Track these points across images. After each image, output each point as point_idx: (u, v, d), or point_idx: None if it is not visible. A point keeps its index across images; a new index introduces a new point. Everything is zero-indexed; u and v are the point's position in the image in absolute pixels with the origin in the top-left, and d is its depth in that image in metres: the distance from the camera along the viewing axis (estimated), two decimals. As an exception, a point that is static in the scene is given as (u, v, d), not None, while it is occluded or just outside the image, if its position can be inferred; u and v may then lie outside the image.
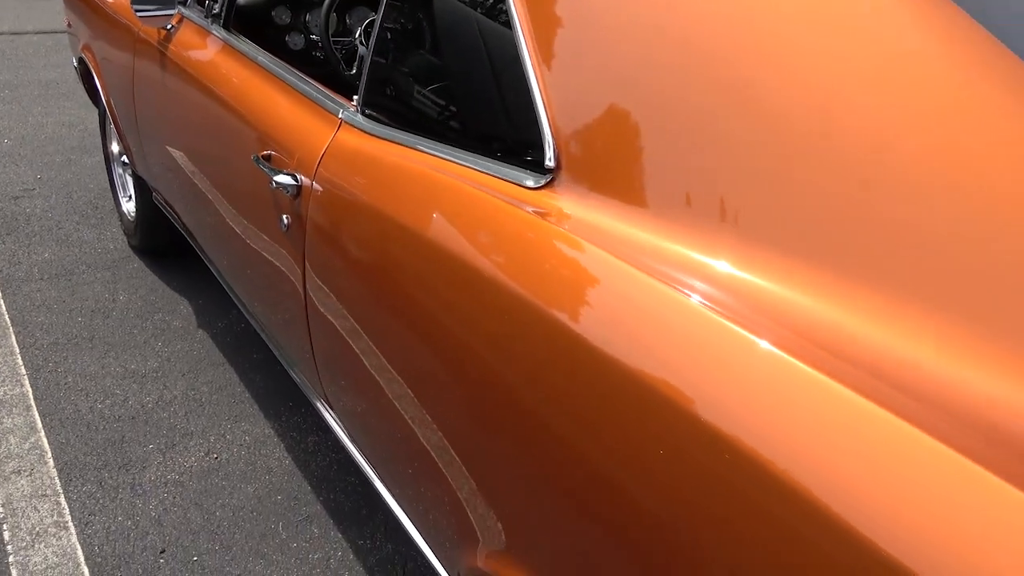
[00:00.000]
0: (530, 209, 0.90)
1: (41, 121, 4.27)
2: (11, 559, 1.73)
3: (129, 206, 3.03)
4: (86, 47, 2.80)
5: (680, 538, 0.68)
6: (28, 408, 2.19)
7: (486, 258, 0.90)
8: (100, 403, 2.25)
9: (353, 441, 1.51)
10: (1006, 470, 0.53)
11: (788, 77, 0.74)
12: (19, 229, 3.13)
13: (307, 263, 1.34)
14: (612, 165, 0.85)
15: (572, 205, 0.88)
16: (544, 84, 0.93)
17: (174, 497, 1.95)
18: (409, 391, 1.09)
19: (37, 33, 6.01)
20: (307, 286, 1.36)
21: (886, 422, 0.58)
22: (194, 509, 1.92)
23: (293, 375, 1.79)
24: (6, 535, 1.79)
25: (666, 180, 0.81)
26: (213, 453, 2.09)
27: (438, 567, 1.25)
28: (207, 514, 1.90)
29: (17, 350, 2.42)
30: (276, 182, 1.34)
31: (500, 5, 1.03)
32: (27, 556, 1.74)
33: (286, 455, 2.10)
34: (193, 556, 1.80)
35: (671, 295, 0.73)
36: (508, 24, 1.00)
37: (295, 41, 2.20)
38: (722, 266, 0.73)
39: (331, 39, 2.06)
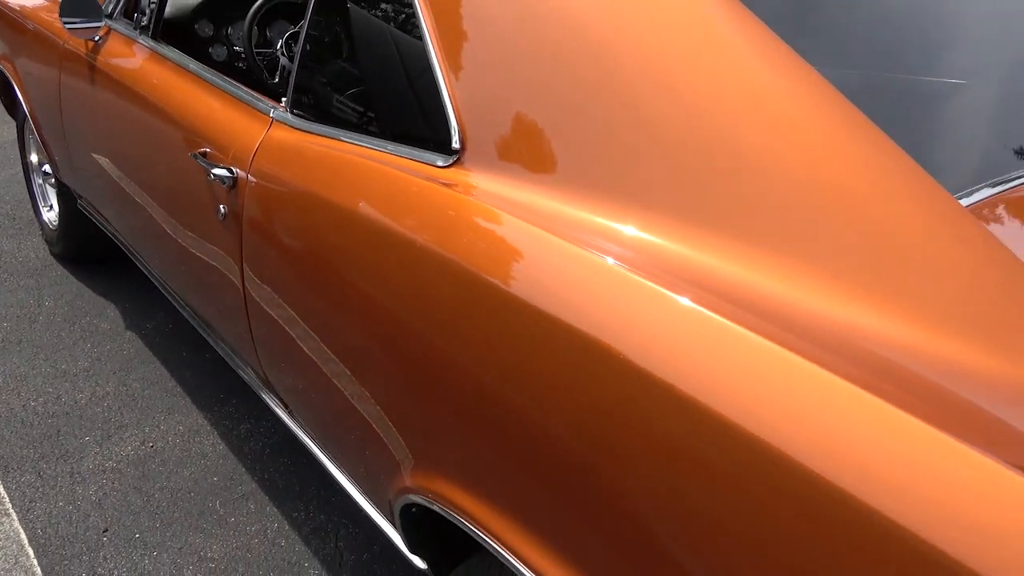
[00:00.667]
0: (441, 183, 1.09)
1: (-51, 135, 4.23)
2: (-45, 544, 1.81)
3: (50, 215, 3.08)
4: (4, 58, 2.85)
5: (577, 451, 0.87)
6: (-40, 408, 2.25)
7: (403, 225, 1.09)
8: (33, 401, 2.32)
9: (290, 414, 1.66)
10: (844, 373, 0.71)
11: (653, 70, 0.95)
12: (-65, 240, 3.13)
13: (244, 249, 1.49)
14: (508, 144, 1.05)
15: (476, 178, 1.07)
16: (448, 79, 1.12)
17: (113, 483, 2.05)
18: (342, 356, 1.26)
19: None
20: (244, 271, 1.51)
21: (750, 342, 0.76)
22: (133, 493, 2.02)
23: (230, 361, 1.92)
24: (-52, 523, 1.86)
25: (553, 155, 1.01)
26: (149, 442, 2.20)
27: (373, 513, 1.42)
28: (146, 496, 2.01)
29: (-56, 355, 2.47)
30: (214, 174, 1.49)
31: (410, 17, 1.22)
32: (-29, 541, 1.82)
33: (220, 441, 2.22)
34: (135, 534, 1.91)
35: (565, 246, 0.92)
36: (417, 31, 1.19)
37: (218, 52, 2.34)
38: (603, 222, 0.93)
39: (254, 50, 2.21)
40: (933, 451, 0.65)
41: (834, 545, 0.66)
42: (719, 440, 0.74)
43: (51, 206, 3.07)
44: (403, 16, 1.29)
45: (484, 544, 1.00)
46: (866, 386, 0.70)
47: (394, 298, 1.11)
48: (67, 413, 2.29)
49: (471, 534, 1.03)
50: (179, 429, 2.26)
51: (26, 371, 2.44)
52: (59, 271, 3.02)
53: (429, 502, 1.09)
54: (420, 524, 1.24)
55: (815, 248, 0.83)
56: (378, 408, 1.19)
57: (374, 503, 1.39)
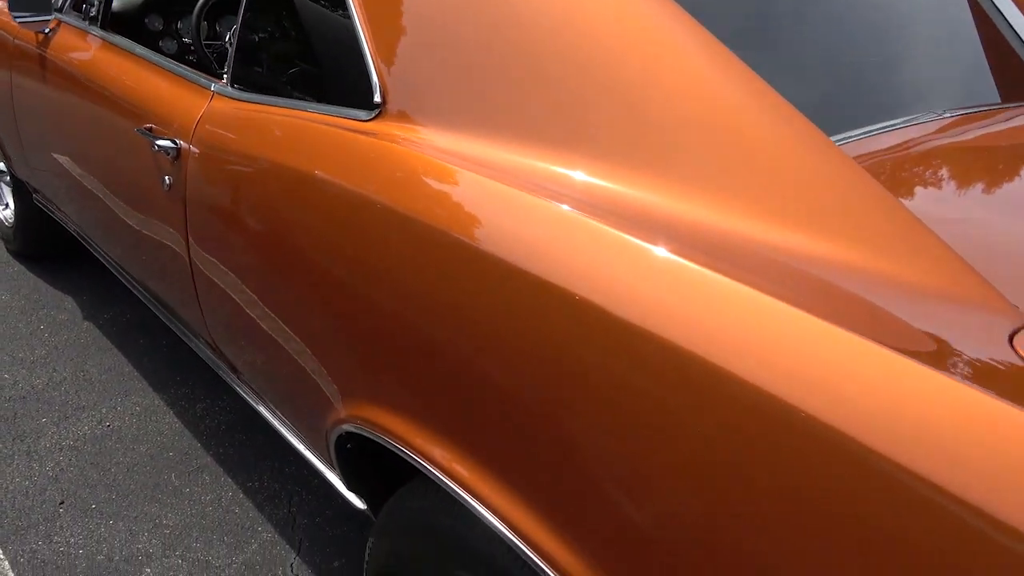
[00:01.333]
0: (365, 133, 1.18)
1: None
2: (-87, 518, 1.85)
3: (6, 213, 3.12)
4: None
5: (501, 374, 0.95)
6: (-83, 395, 2.29)
7: (328, 173, 1.18)
8: (-10, 386, 2.37)
9: (239, 378, 1.74)
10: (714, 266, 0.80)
11: (542, 19, 1.05)
12: None
13: (188, 213, 1.57)
14: (423, 95, 1.15)
15: (397, 127, 1.16)
16: (370, 40, 1.21)
17: (70, 459, 2.10)
18: (278, 304, 1.34)
19: None
20: (189, 236, 1.59)
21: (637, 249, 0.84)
22: (90, 468, 2.08)
23: (183, 336, 1.99)
24: (-94, 499, 1.90)
25: (460, 103, 1.10)
26: (105, 422, 2.25)
27: (312, 458, 1.50)
28: (102, 471, 2.07)
29: (-100, 347, 2.50)
30: (158, 146, 1.57)
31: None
32: (-71, 515, 1.87)
33: (176, 420, 2.28)
34: (91, 504, 1.96)
35: (476, 179, 1.01)
36: (343, 7, 1.29)
37: (168, 46, 2.41)
38: (502, 154, 1.03)
39: (203, 43, 2.29)
40: (800, 331, 0.72)
41: (724, 422, 0.74)
42: (624, 347, 0.81)
43: (6, 204, 3.11)
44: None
45: (414, 464, 1.08)
46: (743, 281, 0.78)
47: (323, 241, 1.20)
48: (23, 397, 2.33)
49: (399, 454, 1.11)
50: (136, 410, 2.31)
51: (-17, 360, 2.49)
52: (16, 267, 3.06)
53: (360, 429, 1.18)
54: (355, 462, 1.32)
55: (697, 163, 0.92)
56: (314, 349, 1.27)
57: (315, 449, 1.47)
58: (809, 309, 0.73)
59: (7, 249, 3.15)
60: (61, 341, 2.61)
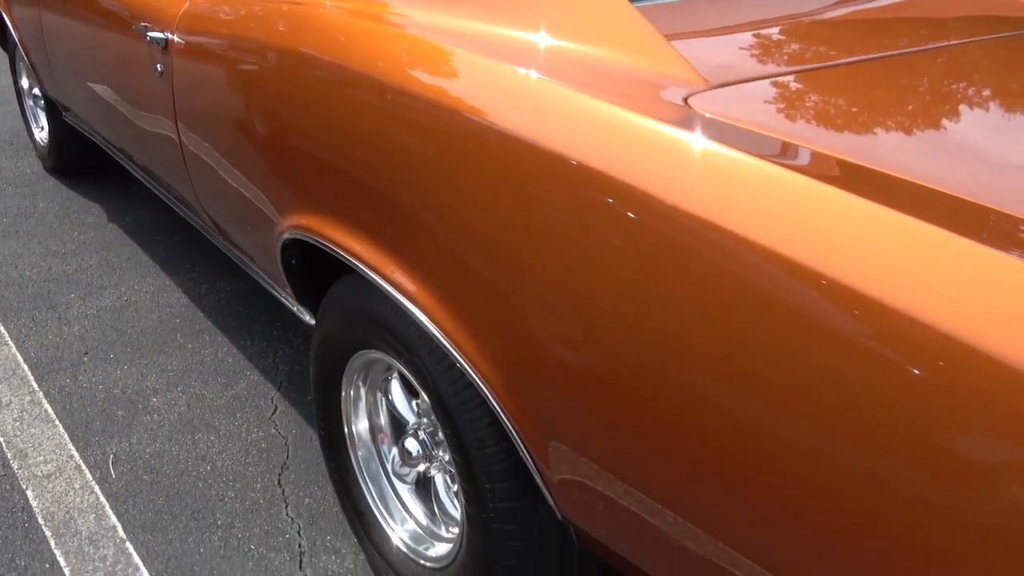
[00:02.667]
0: (296, 4, 1.49)
1: (-47, 83, 4.66)
2: (-35, 360, 2.25)
3: (42, 135, 3.50)
4: (-5, -3, 3.27)
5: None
6: (-33, 276, 2.69)
7: (292, 41, 1.48)
8: (28, 271, 2.76)
9: (222, 234, 2.08)
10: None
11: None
12: (-57, 161, 3.57)
13: (175, 95, 1.90)
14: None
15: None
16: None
17: (93, 324, 2.49)
18: (242, 150, 1.67)
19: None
20: (177, 113, 1.92)
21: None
22: (110, 330, 2.46)
23: (183, 213, 2.34)
24: (-41, 348, 2.30)
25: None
26: (124, 297, 2.63)
27: (274, 291, 1.84)
28: (120, 332, 2.45)
29: (-47, 241, 2.91)
30: (150, 37, 1.90)
31: None
32: (-22, 358, 2.26)
33: (183, 296, 2.65)
34: (110, 355, 2.34)
35: (381, 29, 1.32)
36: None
37: None
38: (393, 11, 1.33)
39: None
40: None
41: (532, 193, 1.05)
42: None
43: (42, 127, 3.50)
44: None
45: (342, 260, 1.38)
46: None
47: (270, 93, 1.52)
48: (56, 279, 2.72)
49: (329, 252, 1.42)
50: (150, 288, 2.69)
51: (22, 252, 2.88)
52: (51, 182, 3.45)
53: (303, 233, 1.49)
54: (298, 275, 1.65)
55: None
56: (265, 182, 1.60)
57: (273, 277, 1.80)
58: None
59: (44, 167, 3.54)
60: (89, 238, 3.00)
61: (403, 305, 1.24)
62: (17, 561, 1.68)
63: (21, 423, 2.06)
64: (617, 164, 0.92)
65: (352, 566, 1.69)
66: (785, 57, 1.28)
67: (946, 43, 1.33)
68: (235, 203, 1.79)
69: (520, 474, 1.19)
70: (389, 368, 1.52)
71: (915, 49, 1.29)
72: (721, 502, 0.89)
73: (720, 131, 0.92)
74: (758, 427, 0.82)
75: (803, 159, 0.89)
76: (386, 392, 1.57)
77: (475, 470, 1.23)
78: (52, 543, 1.72)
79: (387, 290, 1.27)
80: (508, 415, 1.09)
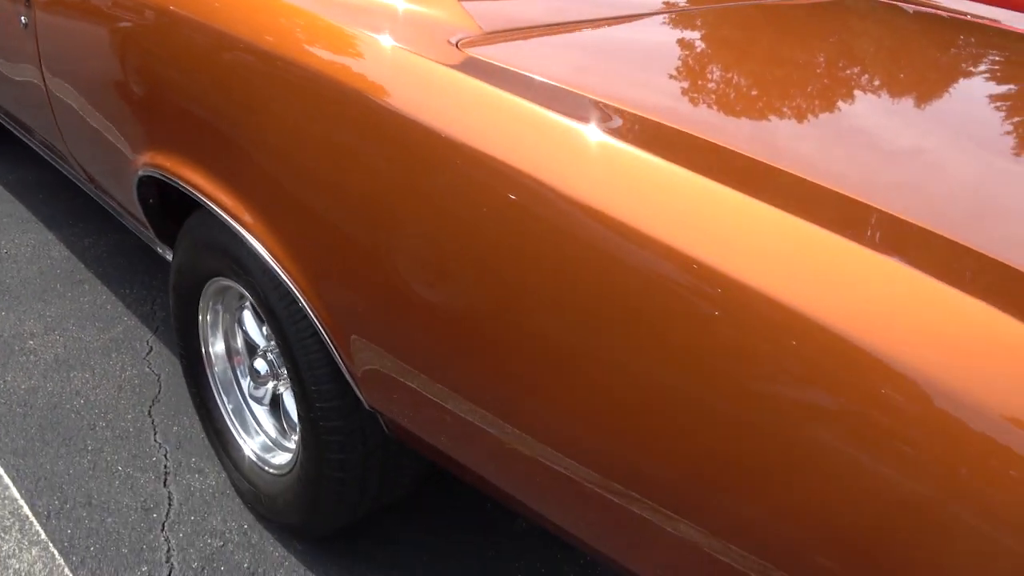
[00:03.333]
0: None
1: None
2: None
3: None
4: None
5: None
6: None
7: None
8: (-95, 226, 2.79)
9: (93, 182, 2.18)
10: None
11: None
12: None
13: (39, 44, 1.99)
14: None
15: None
16: None
17: (-28, 275, 2.55)
18: (101, 93, 1.77)
19: None
20: (41, 61, 2.01)
21: None
22: (-11, 280, 2.53)
23: (56, 164, 2.42)
24: None
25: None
26: (4, 249, 2.69)
27: (137, 231, 1.96)
28: (0, 281, 2.52)
29: None
30: (13, -9, 1.99)
31: None
32: None
33: (65, 249, 2.73)
34: (-12, 303, 2.42)
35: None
36: None
37: None
38: None
39: None
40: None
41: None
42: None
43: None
44: None
45: (191, 196, 1.52)
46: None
47: (124, 39, 1.64)
48: (-65, 233, 2.76)
49: (177, 187, 1.56)
50: (32, 242, 2.75)
51: (-100, 208, 2.90)
52: (-68, 141, 3.44)
53: (155, 170, 1.61)
54: (155, 214, 1.78)
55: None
56: (123, 123, 1.71)
57: (136, 221, 1.92)
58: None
59: (-76, 126, 3.52)
60: (-30, 195, 3.03)
61: (236, 230, 1.39)
62: None
63: None
64: (389, 92, 1.10)
65: (214, 483, 1.84)
66: (563, 13, 1.47)
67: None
68: (97, 147, 1.90)
69: (340, 376, 1.36)
70: (242, 297, 1.67)
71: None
72: (497, 383, 1.07)
73: (476, 67, 1.10)
74: (521, 321, 1.00)
75: (538, 92, 1.08)
76: (239, 320, 1.72)
77: (303, 375, 1.40)
78: (-76, 469, 1.82)
79: (223, 217, 1.42)
80: (316, 313, 1.27)
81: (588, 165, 0.96)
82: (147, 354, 2.25)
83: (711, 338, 0.83)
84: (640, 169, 0.92)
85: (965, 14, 2.01)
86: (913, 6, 2.02)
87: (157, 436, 1.97)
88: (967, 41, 1.80)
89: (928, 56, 1.67)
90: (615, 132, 0.97)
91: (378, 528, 1.76)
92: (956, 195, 0.99)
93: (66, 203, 3.00)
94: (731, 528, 0.87)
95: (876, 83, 1.41)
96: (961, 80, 1.52)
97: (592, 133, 0.97)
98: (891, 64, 1.58)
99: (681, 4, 1.71)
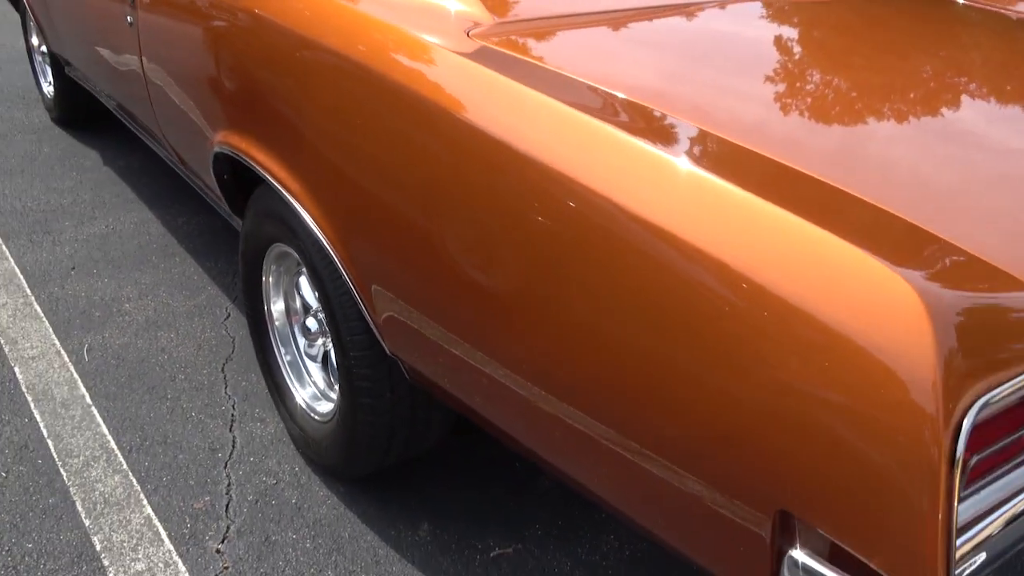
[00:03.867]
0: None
1: (-25, 44, 5.08)
2: (-30, 270, 2.64)
3: (49, 89, 3.89)
4: (8, -40, 3.65)
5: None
6: (-23, 205, 3.09)
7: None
8: (30, 203, 3.15)
9: (184, 165, 2.44)
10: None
11: None
12: (-38, 111, 3.98)
13: (141, 41, 2.26)
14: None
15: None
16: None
17: (82, 246, 2.87)
18: (189, 84, 2.02)
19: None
20: (143, 55, 2.28)
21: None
22: (96, 251, 2.85)
23: (152, 145, 2.71)
24: (-34, 260, 2.70)
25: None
26: (110, 226, 3.02)
27: (217, 207, 2.20)
28: (104, 253, 2.83)
29: (-34, 177, 3.31)
30: (121, -7, 2.27)
31: None
32: (-19, 269, 2.66)
33: (162, 227, 3.03)
34: (93, 271, 2.73)
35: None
36: None
37: None
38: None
39: None
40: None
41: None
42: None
43: (49, 82, 3.88)
44: None
45: (256, 172, 1.74)
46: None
47: (205, 42, 1.87)
48: (54, 210, 3.11)
49: (247, 164, 1.77)
50: (134, 220, 3.07)
51: (26, 187, 3.28)
52: (56, 131, 3.84)
53: (226, 148, 1.84)
54: (229, 188, 2.01)
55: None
56: (207, 110, 1.95)
57: (214, 194, 2.16)
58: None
59: (50, 117, 3.94)
60: (85, 178, 3.38)
61: (286, 198, 1.60)
62: (3, 417, 2.07)
63: (14, 319, 2.46)
64: (407, 73, 1.27)
65: (272, 431, 2.06)
66: (571, 8, 1.61)
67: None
68: (183, 129, 2.15)
69: (369, 328, 1.54)
70: (299, 264, 1.88)
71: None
72: (502, 334, 1.22)
73: (484, 54, 1.26)
74: (514, 275, 1.15)
75: (539, 77, 1.23)
76: (296, 284, 1.93)
77: (340, 326, 1.59)
78: (32, 406, 2.11)
79: (275, 187, 1.62)
80: (343, 265, 1.45)
81: (581, 148, 1.09)
82: (225, 319, 2.50)
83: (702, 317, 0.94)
84: (632, 156, 1.04)
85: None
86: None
87: (227, 389, 2.20)
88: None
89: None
90: (606, 117, 1.10)
91: (410, 477, 1.93)
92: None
93: (165, 186, 3.32)
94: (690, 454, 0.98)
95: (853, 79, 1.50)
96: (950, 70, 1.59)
97: (582, 118, 1.10)
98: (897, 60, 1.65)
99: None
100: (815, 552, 0.82)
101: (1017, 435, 0.83)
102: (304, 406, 1.91)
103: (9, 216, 3.05)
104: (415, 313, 1.36)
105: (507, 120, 1.14)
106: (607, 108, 1.15)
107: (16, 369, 2.24)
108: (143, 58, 2.28)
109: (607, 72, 1.29)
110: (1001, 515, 0.82)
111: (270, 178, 1.65)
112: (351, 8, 1.47)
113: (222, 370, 2.28)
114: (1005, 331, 0.80)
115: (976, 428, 0.75)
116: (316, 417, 1.88)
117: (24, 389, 2.16)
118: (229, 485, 1.90)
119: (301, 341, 1.96)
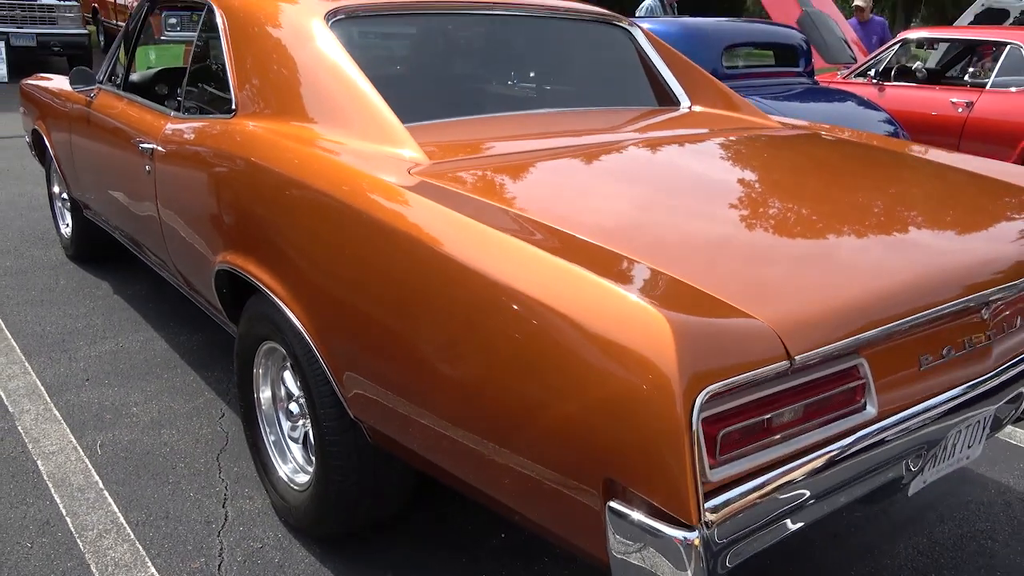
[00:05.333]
0: (227, 123, 2.35)
1: (-2, 193, 5.64)
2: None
3: (66, 230, 4.40)
4: (39, 121, 4.23)
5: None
6: (7, 337, 3.51)
7: (212, 144, 2.34)
8: (49, 327, 3.57)
9: (188, 285, 2.88)
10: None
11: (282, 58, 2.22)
12: (-13, 251, 4.47)
13: (157, 185, 2.75)
14: (257, 104, 2.32)
15: (245, 121, 2.33)
16: (234, 78, 2.40)
17: (95, 361, 3.27)
18: (194, 226, 2.50)
19: (-10, 139, 7.44)
20: (158, 198, 2.77)
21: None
22: (107, 365, 3.24)
23: (161, 271, 3.16)
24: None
25: (280, 105, 2.27)
26: (120, 344, 3.43)
27: (217, 318, 2.63)
28: (114, 366, 3.23)
29: (-8, 307, 3.75)
30: (142, 147, 2.77)
31: (220, 55, 2.52)
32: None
33: (166, 344, 3.44)
34: (105, 381, 3.11)
35: (281, 141, 2.16)
36: (223, 64, 2.49)
37: (157, 92, 3.68)
38: (296, 125, 2.18)
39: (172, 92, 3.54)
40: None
41: None
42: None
43: (67, 224, 4.39)
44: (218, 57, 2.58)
45: (251, 283, 2.17)
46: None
47: (206, 181, 2.36)
48: (70, 332, 3.53)
49: (242, 277, 2.21)
50: (141, 339, 3.49)
51: (45, 314, 3.71)
52: (72, 266, 4.32)
53: (227, 265, 2.29)
54: (228, 301, 2.44)
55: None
56: (209, 236, 2.42)
57: (215, 308, 2.59)
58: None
59: (66, 255, 4.42)
60: (97, 305, 3.82)
61: (275, 302, 2.03)
62: (28, 500, 2.41)
63: (36, 422, 2.83)
64: (361, 202, 1.74)
65: (260, 506, 2.41)
66: (494, 151, 2.11)
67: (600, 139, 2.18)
68: (190, 254, 2.61)
69: (338, 401, 1.93)
70: (284, 359, 2.29)
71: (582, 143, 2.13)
72: (435, 392, 1.63)
73: (419, 185, 1.73)
74: (436, 350, 1.59)
75: (455, 199, 1.69)
76: (282, 377, 2.33)
77: (315, 400, 1.98)
78: (52, 491, 2.45)
79: (266, 293, 2.06)
80: (320, 353, 1.87)
81: (476, 247, 1.53)
82: (220, 418, 2.88)
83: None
84: (515, 250, 1.49)
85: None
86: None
87: (221, 474, 2.56)
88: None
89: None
90: (500, 226, 1.56)
91: (376, 541, 2.27)
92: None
93: (167, 310, 3.75)
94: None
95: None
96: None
97: (478, 226, 1.56)
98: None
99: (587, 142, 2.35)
100: (625, 501, 1.20)
101: (752, 421, 1.24)
102: (286, 478, 2.27)
103: (31, 338, 3.47)
104: (374, 386, 1.77)
105: (433, 228, 1.59)
106: (502, 220, 1.60)
107: (39, 462, 2.59)
108: (158, 198, 2.77)
109: (508, 196, 1.76)
110: (750, 477, 1.23)
111: (263, 287, 2.09)
112: (325, 156, 1.96)
113: (217, 459, 2.64)
114: (726, 343, 1.21)
115: (714, 413, 1.17)
116: (295, 487, 2.23)
117: (45, 477, 2.51)
118: (221, 549, 2.23)
119: (285, 424, 2.34)
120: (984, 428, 1.77)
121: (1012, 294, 1.65)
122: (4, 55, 10.82)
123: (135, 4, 14.28)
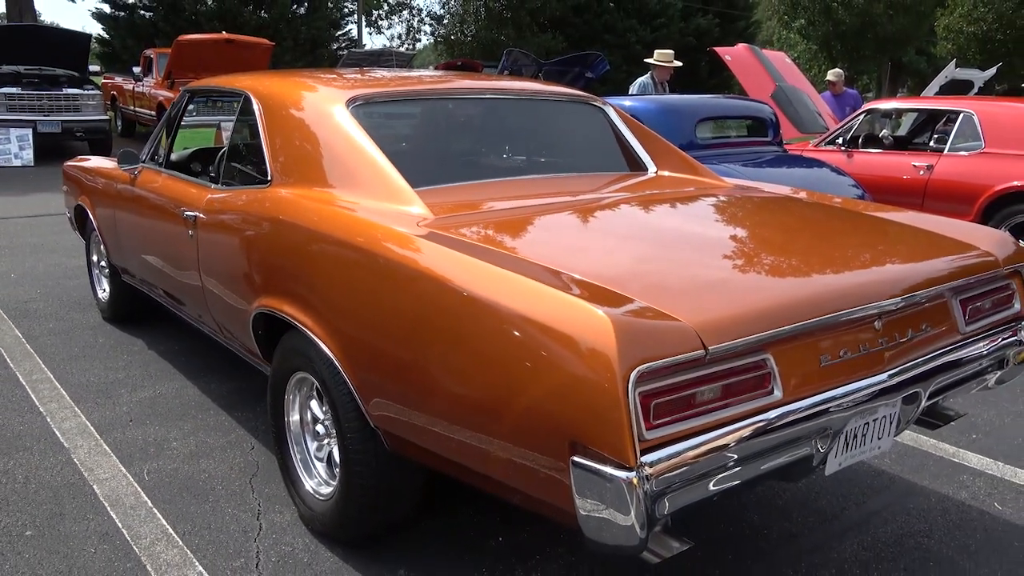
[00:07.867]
0: (264, 191, 2.81)
1: (34, 265, 6.11)
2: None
3: (103, 294, 4.84)
4: (82, 197, 4.73)
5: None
6: (57, 387, 3.92)
7: (252, 210, 2.79)
8: (93, 379, 3.98)
9: (225, 333, 3.30)
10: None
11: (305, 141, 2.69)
12: (31, 315, 4.91)
13: (199, 251, 3.20)
14: (289, 175, 2.78)
15: (279, 190, 2.79)
16: (269, 152, 2.87)
17: (136, 406, 3.67)
18: (229, 286, 2.93)
19: (22, 217, 7.96)
20: (199, 264, 3.21)
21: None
22: (147, 409, 3.64)
23: (203, 328, 3.58)
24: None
25: (307, 176, 2.73)
26: (157, 391, 3.83)
27: (251, 359, 3.04)
28: (153, 410, 3.62)
29: (42, 364, 4.16)
30: (186, 215, 3.23)
31: (256, 135, 3.00)
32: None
33: (198, 391, 3.84)
34: (146, 422, 3.50)
35: (312, 204, 2.61)
36: (258, 143, 2.97)
37: (195, 169, 4.17)
38: (319, 191, 2.63)
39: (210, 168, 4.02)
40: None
41: None
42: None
43: (104, 289, 4.84)
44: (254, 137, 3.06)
45: (286, 321, 2.60)
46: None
47: (251, 241, 2.81)
48: (112, 383, 3.94)
49: (278, 316, 2.64)
50: (176, 386, 3.89)
51: (89, 367, 4.12)
52: (108, 327, 4.75)
53: (264, 308, 2.71)
54: (263, 342, 2.86)
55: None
56: (244, 291, 2.85)
57: (250, 353, 3.01)
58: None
59: (103, 317, 4.86)
60: (135, 359, 4.24)
61: (309, 336, 2.45)
62: (88, 516, 2.78)
63: (90, 455, 3.21)
64: (376, 248, 2.18)
65: (290, 518, 2.78)
66: (490, 208, 2.56)
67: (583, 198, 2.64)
68: (229, 304, 3.05)
69: (361, 415, 2.33)
70: (313, 386, 2.69)
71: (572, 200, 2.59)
72: (436, 405, 2.04)
73: (426, 234, 2.18)
74: (442, 366, 2.01)
75: (457, 246, 2.12)
76: (308, 405, 2.73)
77: (341, 416, 2.38)
78: (108, 509, 2.82)
79: (301, 329, 2.49)
80: (350, 379, 2.28)
81: (471, 278, 1.96)
82: (251, 450, 3.26)
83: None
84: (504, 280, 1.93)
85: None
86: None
87: (254, 494, 2.93)
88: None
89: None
90: (497, 262, 1.99)
91: (392, 540, 2.63)
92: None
93: (198, 362, 4.17)
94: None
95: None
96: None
97: (476, 262, 2.00)
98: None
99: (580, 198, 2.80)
100: (585, 456, 1.60)
101: (678, 396, 1.65)
102: (312, 491, 2.65)
103: (78, 388, 3.88)
104: (391, 400, 2.17)
105: (438, 267, 2.03)
106: (494, 258, 2.03)
107: (95, 487, 2.97)
108: (200, 258, 3.21)
109: (501, 241, 2.20)
110: (680, 440, 1.63)
111: (297, 323, 2.51)
112: (344, 212, 2.41)
113: (250, 482, 3.02)
114: (655, 337, 1.62)
115: (649, 388, 1.59)
116: (320, 497, 2.61)
117: (102, 498, 2.89)
118: (258, 552, 2.60)
119: (311, 444, 2.73)
120: (892, 423, 2.16)
121: (898, 308, 2.07)
122: (31, 141, 11.50)
123: (151, 92, 15.09)
